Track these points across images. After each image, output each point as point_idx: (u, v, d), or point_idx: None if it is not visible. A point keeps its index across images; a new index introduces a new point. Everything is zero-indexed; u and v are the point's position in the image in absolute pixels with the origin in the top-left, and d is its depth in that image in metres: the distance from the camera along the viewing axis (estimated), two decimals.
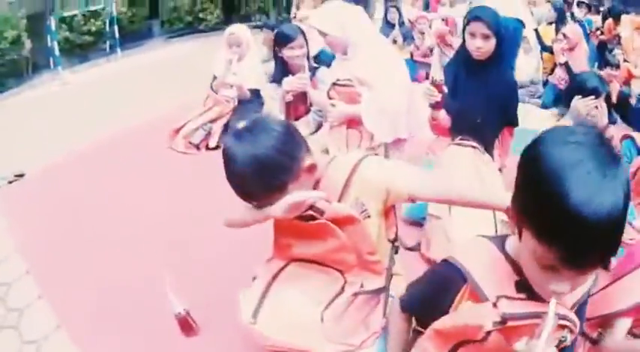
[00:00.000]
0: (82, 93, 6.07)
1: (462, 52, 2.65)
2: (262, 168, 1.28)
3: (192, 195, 3.09)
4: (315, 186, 1.43)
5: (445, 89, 2.52)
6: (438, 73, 2.51)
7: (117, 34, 8.07)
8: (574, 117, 2.51)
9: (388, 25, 6.41)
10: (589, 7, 7.90)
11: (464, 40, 2.62)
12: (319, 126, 3.25)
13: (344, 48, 2.74)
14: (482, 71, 2.59)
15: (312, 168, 1.37)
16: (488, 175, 2.52)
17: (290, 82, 3.00)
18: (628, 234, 2.35)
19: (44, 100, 5.90)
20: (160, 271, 2.12)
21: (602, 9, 9.13)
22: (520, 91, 4.77)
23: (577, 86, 2.63)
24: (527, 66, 6.05)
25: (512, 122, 2.74)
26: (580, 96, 2.51)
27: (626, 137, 2.79)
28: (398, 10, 6.39)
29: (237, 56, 3.86)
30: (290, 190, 1.32)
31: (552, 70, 5.97)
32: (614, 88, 5.91)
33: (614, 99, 5.84)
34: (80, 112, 5.10)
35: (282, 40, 3.19)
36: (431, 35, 6.57)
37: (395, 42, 6.14)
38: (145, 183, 3.29)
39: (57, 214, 2.98)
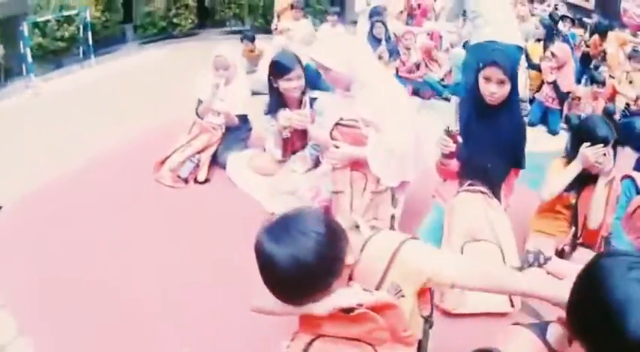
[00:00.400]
0: (56, 103, 5.80)
1: (474, 95, 2.55)
2: (307, 272, 1.21)
3: (185, 239, 2.92)
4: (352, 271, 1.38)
5: (460, 139, 2.43)
6: (453, 123, 2.41)
7: (90, 40, 7.83)
8: (583, 163, 2.50)
9: (374, 40, 6.26)
10: (573, 20, 7.95)
11: (475, 83, 2.53)
12: (317, 162, 3.12)
13: (347, 84, 2.60)
14: (494, 115, 2.52)
15: (353, 263, 1.34)
16: (497, 220, 2.48)
17: (289, 118, 2.85)
18: None
19: (16, 112, 5.62)
20: None
21: (588, 20, 9.23)
22: None
23: (586, 131, 2.57)
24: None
25: (520, 164, 2.69)
26: (589, 143, 2.48)
27: (626, 177, 2.78)
28: (384, 24, 6.26)
29: (225, 80, 3.66)
30: (334, 288, 1.28)
31: (539, 88, 5.96)
32: (600, 105, 5.97)
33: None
34: (55, 126, 4.85)
35: (278, 71, 3.03)
36: (417, 50, 6.51)
37: (381, 58, 6.02)
38: (131, 220, 3.10)
39: (31, 251, 2.82)
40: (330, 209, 2.79)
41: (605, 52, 7.11)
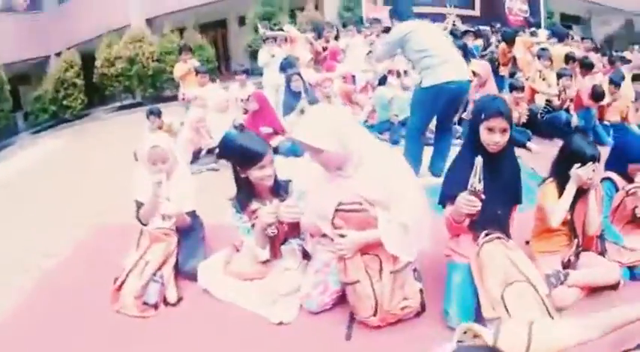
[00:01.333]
0: None
1: (474, 145, 2.54)
2: None
3: None
4: None
5: (483, 196, 2.27)
6: (478, 183, 2.26)
7: None
8: (577, 183, 2.67)
9: (292, 95, 6.07)
10: (475, 34, 8.27)
11: (473, 133, 2.55)
12: (304, 253, 2.79)
13: (340, 164, 2.37)
14: (496, 161, 2.54)
15: None
16: (518, 259, 2.49)
17: (273, 213, 2.50)
18: (621, 256, 2.88)
19: None
20: None
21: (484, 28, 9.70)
22: None
23: (574, 154, 2.74)
24: None
25: (518, 200, 2.74)
26: (579, 164, 2.65)
27: (605, 178, 3.15)
28: (301, 76, 6.06)
29: (166, 174, 3.17)
30: None
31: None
32: (523, 109, 6.17)
33: (523, 119, 6.11)
34: None
35: (249, 159, 2.63)
36: (337, 97, 6.41)
37: (303, 112, 5.83)
38: None
39: None
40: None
41: (514, 58, 7.42)
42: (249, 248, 2.76)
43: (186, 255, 3.20)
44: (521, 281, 2.37)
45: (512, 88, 6.08)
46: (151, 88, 11.07)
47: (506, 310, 2.29)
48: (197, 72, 7.21)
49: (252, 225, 2.72)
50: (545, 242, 2.89)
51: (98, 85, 10.95)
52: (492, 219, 2.52)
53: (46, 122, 9.61)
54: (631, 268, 2.88)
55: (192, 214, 3.36)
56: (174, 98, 8.61)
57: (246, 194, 2.75)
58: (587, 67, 6.86)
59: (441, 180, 2.82)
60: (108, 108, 11.08)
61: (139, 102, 10.81)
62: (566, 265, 2.79)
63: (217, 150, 5.37)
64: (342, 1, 12.42)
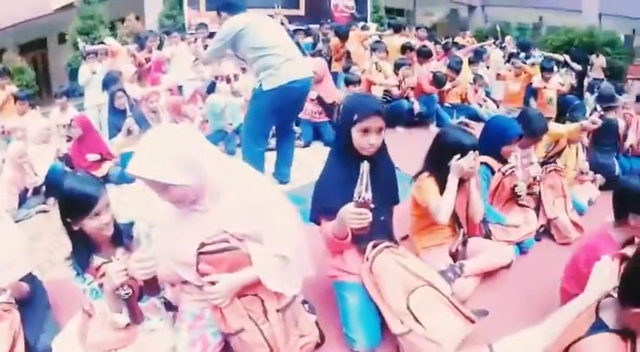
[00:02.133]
0: None
1: (345, 150, 2.34)
2: None
3: None
4: None
5: (372, 205, 2.03)
6: (365, 192, 1.97)
7: None
8: (458, 175, 2.62)
9: (116, 113, 5.40)
10: (305, 32, 8.23)
11: (344, 136, 2.32)
12: (168, 304, 2.30)
13: (195, 197, 1.94)
14: (372, 163, 2.15)
15: None
16: (411, 263, 2.34)
17: (122, 271, 1.98)
18: (508, 235, 3.02)
19: None
20: None
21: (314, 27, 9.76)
22: None
23: (453, 144, 2.67)
24: None
25: (397, 200, 2.60)
26: (459, 156, 2.60)
27: (482, 163, 3.01)
28: (125, 92, 5.42)
29: None
30: None
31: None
32: None
33: None
34: None
35: (81, 207, 2.04)
36: (165, 111, 5.92)
37: (130, 132, 5.27)
38: None
39: None
40: None
41: (348, 53, 7.48)
42: (103, 314, 2.15)
43: (34, 330, 2.52)
44: (422, 286, 2.24)
45: (348, 82, 6.03)
46: None
47: (416, 320, 2.14)
48: (16, 98, 6.31)
49: (100, 285, 2.15)
50: (429, 237, 2.83)
51: None
52: (377, 226, 2.24)
53: None
54: (519, 243, 3.04)
55: (29, 277, 2.66)
56: None
57: (83, 250, 2.16)
58: (424, 55, 7.13)
59: (288, 187, 2.52)
60: None
61: None
62: (454, 255, 2.78)
63: (44, 188, 4.71)
64: (164, 9, 11.78)
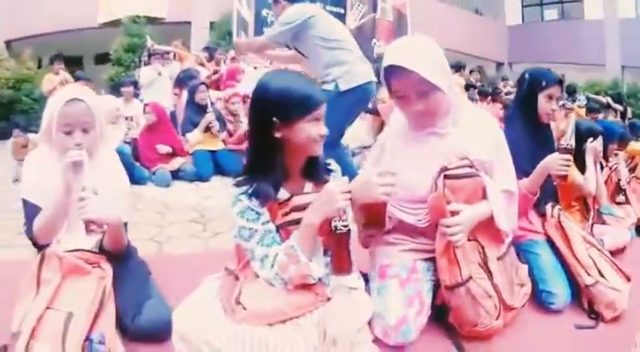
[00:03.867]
0: None
1: (528, 116, 2.60)
2: None
3: None
4: None
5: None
6: (570, 137, 2.38)
7: None
8: (592, 154, 2.98)
9: (194, 108, 5.38)
10: None
11: (529, 103, 2.59)
12: None
13: (440, 116, 1.92)
14: (547, 130, 2.69)
15: None
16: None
17: (349, 193, 1.63)
18: (616, 224, 3.25)
19: None
20: None
21: None
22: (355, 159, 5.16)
23: (585, 131, 2.99)
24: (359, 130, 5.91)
25: None
26: (591, 139, 2.98)
27: None
28: (207, 87, 5.33)
29: (86, 152, 1.94)
30: None
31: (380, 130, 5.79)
32: None
33: None
34: None
35: (303, 105, 1.65)
36: (246, 116, 5.78)
37: (209, 129, 5.24)
38: None
39: None
40: None
41: None
42: (285, 264, 1.64)
43: (132, 299, 1.91)
44: (590, 243, 2.43)
45: None
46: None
47: (599, 272, 2.28)
48: (77, 79, 6.46)
49: (280, 228, 1.73)
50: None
51: None
52: (549, 191, 2.53)
53: None
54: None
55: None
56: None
57: (272, 175, 1.69)
58: (484, 94, 7.69)
59: None
60: None
61: None
62: None
63: None
64: (210, 40, 11.81)
